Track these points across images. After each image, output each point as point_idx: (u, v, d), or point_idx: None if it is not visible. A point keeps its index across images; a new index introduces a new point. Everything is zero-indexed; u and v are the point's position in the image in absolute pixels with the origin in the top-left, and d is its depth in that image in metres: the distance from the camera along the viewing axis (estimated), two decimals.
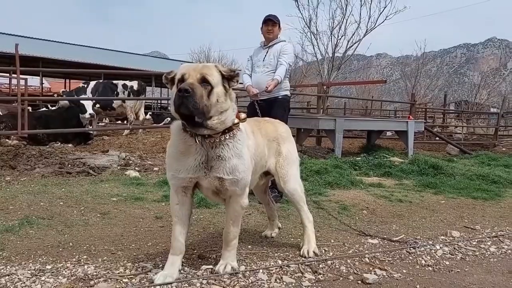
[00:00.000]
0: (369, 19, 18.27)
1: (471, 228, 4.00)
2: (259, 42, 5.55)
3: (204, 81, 2.26)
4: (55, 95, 14.18)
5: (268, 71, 5.26)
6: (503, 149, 13.05)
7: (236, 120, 2.44)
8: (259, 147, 2.81)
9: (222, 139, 2.38)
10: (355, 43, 18.63)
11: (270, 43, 5.39)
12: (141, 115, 12.57)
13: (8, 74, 15.70)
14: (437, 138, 13.42)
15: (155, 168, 6.48)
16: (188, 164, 2.39)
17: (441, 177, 6.61)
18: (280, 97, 5.24)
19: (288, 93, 5.53)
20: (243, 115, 2.51)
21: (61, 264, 2.68)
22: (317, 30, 18.94)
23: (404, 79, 38.68)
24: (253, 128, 2.81)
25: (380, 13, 18.11)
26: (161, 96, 33.00)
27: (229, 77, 2.37)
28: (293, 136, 9.46)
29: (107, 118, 15.28)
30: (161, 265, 2.70)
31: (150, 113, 19.14)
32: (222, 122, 2.33)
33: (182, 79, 2.28)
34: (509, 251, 3.36)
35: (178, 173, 2.44)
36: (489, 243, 3.51)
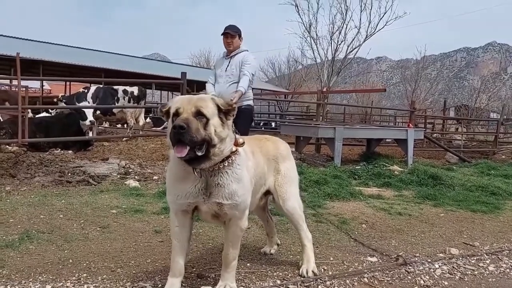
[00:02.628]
0: (369, 24, 18.30)
1: (470, 244, 4.01)
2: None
3: (199, 114, 2.25)
4: (55, 99, 14.18)
5: (230, 81, 5.43)
6: (503, 156, 13.07)
7: (234, 148, 2.43)
8: (259, 166, 2.83)
9: (221, 167, 2.38)
10: (355, 48, 18.66)
11: (232, 54, 5.50)
12: (141, 120, 12.59)
13: (8, 78, 15.74)
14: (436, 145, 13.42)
15: (155, 177, 6.49)
16: (187, 190, 2.41)
17: (441, 188, 6.62)
18: (243, 107, 5.36)
19: (251, 102, 5.70)
20: (241, 140, 2.50)
21: (61, 284, 2.69)
22: (317, 35, 18.95)
23: (404, 82, 38.73)
24: (253, 147, 2.82)
25: (380, 19, 18.15)
26: (161, 100, 33.02)
27: (226, 111, 2.35)
28: (292, 144, 9.53)
29: (107, 122, 15.32)
30: (160, 285, 2.71)
31: (150, 116, 19.17)
32: (221, 152, 2.33)
33: (176, 113, 2.27)
34: (508, 270, 3.37)
35: (177, 199, 2.45)
36: (488, 261, 3.52)
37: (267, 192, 3.06)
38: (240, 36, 5.56)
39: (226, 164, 2.39)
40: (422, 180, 6.97)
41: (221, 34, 5.55)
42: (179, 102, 2.33)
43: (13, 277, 2.76)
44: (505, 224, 4.85)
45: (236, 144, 2.45)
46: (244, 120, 5.25)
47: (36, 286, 2.63)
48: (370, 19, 18.25)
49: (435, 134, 16.57)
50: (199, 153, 2.24)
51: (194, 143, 2.20)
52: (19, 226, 3.80)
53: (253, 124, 21.58)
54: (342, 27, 18.54)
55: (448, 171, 8.39)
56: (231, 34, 5.49)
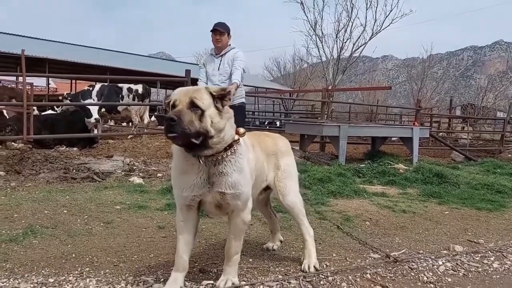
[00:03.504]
0: (375, 22, 18.24)
1: (475, 242, 3.98)
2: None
3: (193, 105, 2.27)
4: (60, 97, 14.30)
5: (225, 80, 5.52)
6: (509, 155, 12.95)
7: (236, 137, 2.45)
8: (259, 161, 2.83)
9: (225, 156, 2.39)
10: (360, 46, 18.60)
11: (222, 52, 5.55)
12: (146, 118, 12.64)
13: (13, 75, 15.84)
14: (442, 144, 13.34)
15: (159, 174, 6.51)
16: (191, 182, 2.41)
17: (446, 186, 6.57)
18: (236, 104, 5.43)
19: (243, 100, 5.76)
20: (242, 130, 2.53)
21: (64, 277, 2.70)
22: (322, 33, 18.92)
23: (410, 81, 38.58)
24: (253, 142, 2.82)
25: (386, 17, 18.08)
26: None
27: (220, 97, 2.36)
28: (297, 142, 9.49)
29: (112, 120, 15.38)
30: (162, 279, 2.71)
31: (155, 114, 19.22)
32: (221, 139, 2.35)
33: (174, 105, 2.30)
34: None
35: (182, 192, 2.46)
36: (492, 259, 3.49)
37: (267, 188, 3.06)
38: (229, 33, 5.60)
39: (229, 153, 2.40)
40: (427, 178, 6.93)
41: (210, 31, 5.57)
42: (177, 94, 2.35)
43: (16, 270, 2.78)
44: (510, 222, 4.80)
45: (238, 133, 2.46)
46: (238, 117, 5.31)
47: (39, 280, 2.64)
48: (375, 17, 18.20)
49: (441, 133, 16.48)
50: (195, 141, 2.25)
51: (187, 135, 2.21)
52: (23, 221, 3.82)
53: (257, 123, 21.57)
54: (348, 25, 18.52)
55: (453, 170, 8.34)
56: (220, 31, 5.53)
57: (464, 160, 11.18)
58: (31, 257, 3.01)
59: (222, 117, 2.34)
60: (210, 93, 2.34)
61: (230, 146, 2.41)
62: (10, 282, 2.58)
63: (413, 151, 9.61)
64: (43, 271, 2.78)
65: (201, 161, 2.36)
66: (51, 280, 2.65)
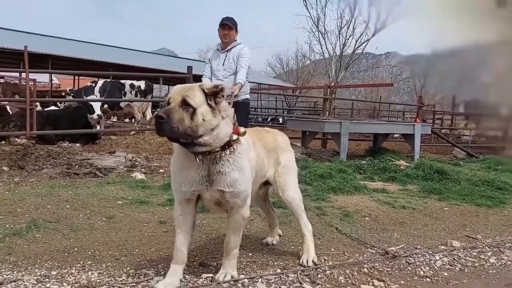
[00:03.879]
0: (378, 19, 18.22)
1: (473, 237, 4.02)
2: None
3: (185, 103, 2.29)
4: (63, 93, 14.38)
5: (229, 75, 5.49)
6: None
7: (235, 136, 2.46)
8: (260, 158, 2.87)
9: (223, 155, 2.42)
10: (363, 43, 18.60)
11: (228, 47, 5.54)
12: (148, 115, 12.67)
13: (16, 71, 15.92)
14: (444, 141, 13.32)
15: (161, 170, 6.55)
16: (190, 178, 2.45)
17: (446, 182, 6.59)
18: (240, 100, 5.45)
19: (248, 96, 5.79)
20: (242, 129, 2.54)
21: (66, 270, 2.76)
22: (325, 29, 18.94)
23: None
24: (254, 139, 2.86)
25: (389, 14, 18.05)
26: None
27: (213, 94, 2.35)
28: (298, 138, 9.49)
29: (115, 116, 15.45)
30: (163, 273, 2.76)
31: (158, 110, 19.27)
32: (216, 137, 2.36)
33: (169, 103, 2.34)
34: (509, 262, 3.38)
35: (181, 187, 2.50)
36: (489, 254, 3.53)
37: (266, 182, 3.10)
38: (236, 29, 5.58)
39: (227, 153, 2.42)
40: (428, 174, 6.95)
41: (219, 25, 5.56)
42: (172, 92, 2.39)
43: (20, 263, 2.84)
44: (509, 218, 4.83)
45: (238, 133, 2.48)
46: (242, 114, 5.33)
47: (42, 272, 2.70)
48: (379, 14, 18.16)
49: (443, 130, 16.45)
50: (184, 141, 2.30)
51: (174, 133, 2.25)
52: (26, 216, 3.88)
53: (260, 119, 21.59)
54: (351, 21, 18.50)
55: (454, 166, 8.33)
56: (229, 26, 5.48)
57: (465, 156, 11.18)
58: (35, 251, 3.07)
59: (215, 115, 2.34)
60: (203, 90, 2.34)
61: (229, 145, 2.43)
62: (14, 275, 2.64)
63: (414, 148, 9.62)
64: (46, 264, 2.84)
65: (198, 159, 2.39)
66: (53, 272, 2.71)
